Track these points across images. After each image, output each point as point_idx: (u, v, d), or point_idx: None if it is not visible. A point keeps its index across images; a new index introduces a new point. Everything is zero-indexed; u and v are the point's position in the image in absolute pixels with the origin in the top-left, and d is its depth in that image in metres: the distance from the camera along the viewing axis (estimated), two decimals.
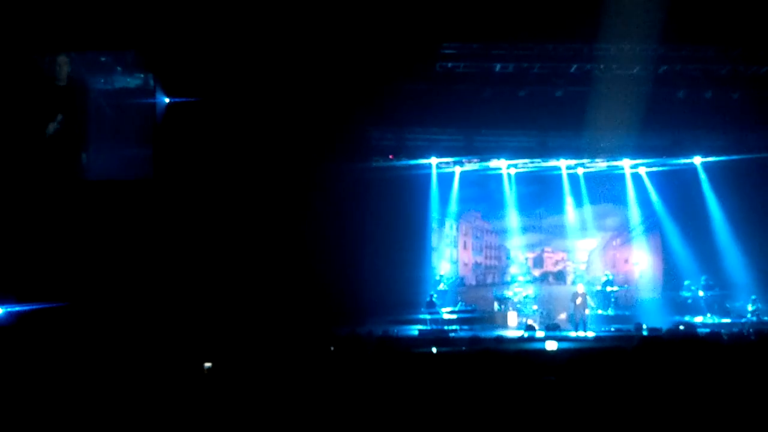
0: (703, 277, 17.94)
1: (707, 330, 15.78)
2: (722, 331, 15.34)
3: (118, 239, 14.91)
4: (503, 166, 19.30)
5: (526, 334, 15.45)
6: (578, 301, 16.71)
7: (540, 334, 15.59)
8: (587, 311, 16.90)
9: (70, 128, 14.78)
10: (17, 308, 13.00)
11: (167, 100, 15.19)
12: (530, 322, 17.03)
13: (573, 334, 15.77)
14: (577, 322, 16.47)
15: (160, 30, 14.41)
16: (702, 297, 17.84)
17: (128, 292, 14.15)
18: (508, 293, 18.78)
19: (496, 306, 18.76)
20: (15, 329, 12.10)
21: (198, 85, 15.02)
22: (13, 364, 5.96)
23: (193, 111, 15.06)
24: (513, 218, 19.79)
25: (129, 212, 15.04)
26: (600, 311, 17.72)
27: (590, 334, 15.77)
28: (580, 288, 17.23)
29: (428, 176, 19.17)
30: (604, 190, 19.82)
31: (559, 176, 19.42)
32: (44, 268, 14.10)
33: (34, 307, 12.80)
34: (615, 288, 18.44)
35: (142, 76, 15.09)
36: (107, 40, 14.69)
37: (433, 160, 19.03)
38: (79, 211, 14.90)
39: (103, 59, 15.14)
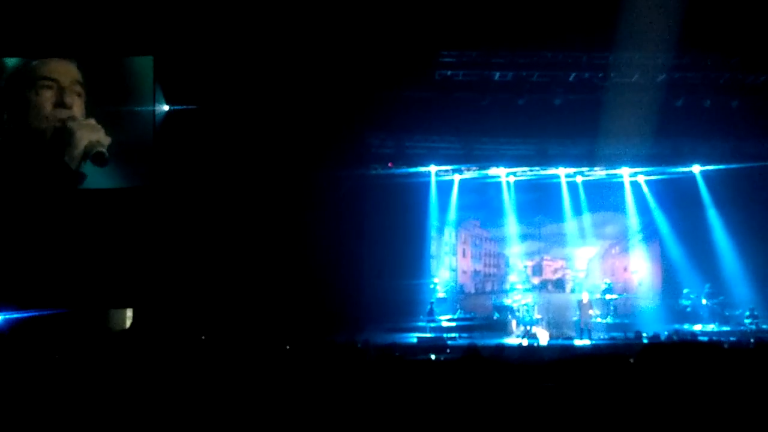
0: (707, 285, 17.91)
1: (706, 338, 15.81)
2: (722, 339, 15.38)
3: (116, 247, 14.92)
4: (502, 174, 19.31)
5: (525, 342, 15.44)
6: (583, 308, 16.78)
7: (540, 342, 15.61)
8: (595, 317, 16.97)
9: (71, 136, 14.76)
10: (18, 315, 12.99)
11: (167, 107, 15.22)
12: (534, 329, 17.01)
13: (577, 341, 15.81)
14: (581, 330, 16.51)
15: (163, 39, 14.47)
16: (706, 305, 17.78)
17: (127, 299, 14.16)
18: (508, 301, 18.75)
19: (495, 314, 18.73)
20: (16, 336, 12.08)
21: (197, 92, 15.05)
22: (14, 371, 5.95)
23: (191, 118, 15.09)
24: (512, 226, 19.77)
25: (128, 220, 15.05)
26: (599, 319, 17.70)
27: (586, 341, 15.78)
28: (585, 296, 17.25)
29: (427, 184, 19.17)
30: (603, 199, 19.82)
31: (558, 184, 19.42)
32: (45, 276, 14.10)
33: (35, 314, 12.79)
34: (614, 296, 18.42)
35: (143, 83, 15.11)
36: (112, 48, 14.75)
37: (432, 168, 19.05)
38: (80, 219, 14.91)
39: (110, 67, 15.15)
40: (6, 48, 14.82)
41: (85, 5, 14.20)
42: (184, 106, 15.17)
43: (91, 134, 14.65)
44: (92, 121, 14.75)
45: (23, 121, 14.81)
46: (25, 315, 12.92)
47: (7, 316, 13.11)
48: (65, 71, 14.91)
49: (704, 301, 17.80)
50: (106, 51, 14.92)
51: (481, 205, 19.91)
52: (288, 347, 9.84)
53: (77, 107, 14.84)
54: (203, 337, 12.67)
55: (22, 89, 14.85)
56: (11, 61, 14.98)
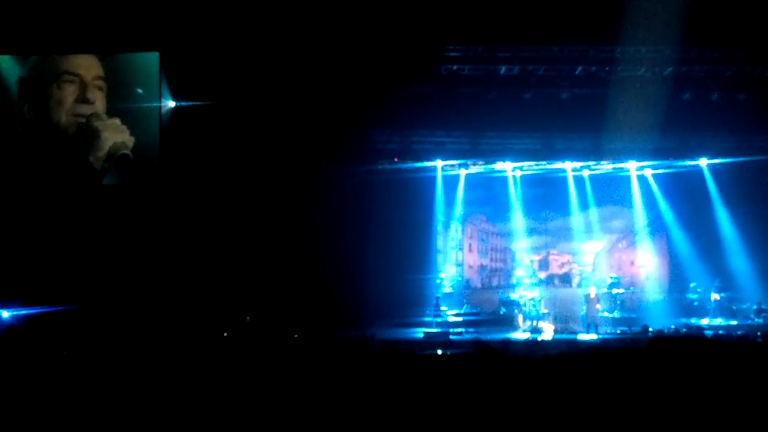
0: (716, 280, 17.82)
1: (712, 332, 15.78)
2: (729, 333, 15.36)
3: (123, 243, 14.96)
4: (508, 168, 19.25)
5: (530, 336, 15.47)
6: (590, 303, 16.78)
7: (544, 336, 15.64)
8: (602, 312, 17.00)
9: (97, 136, 14.73)
10: (24, 311, 13.04)
11: (173, 103, 15.23)
12: (541, 324, 17.02)
13: (584, 336, 15.82)
14: (588, 324, 16.51)
15: (169, 35, 14.48)
16: (715, 300, 17.68)
17: (134, 296, 14.19)
18: (514, 296, 18.74)
19: (501, 309, 18.71)
20: (22, 333, 12.13)
21: (203, 88, 15.06)
22: (20, 367, 5.98)
23: (198, 115, 15.11)
24: (518, 221, 19.73)
25: (135, 216, 15.08)
26: (606, 313, 17.68)
27: (593, 336, 15.78)
28: (593, 290, 17.24)
29: (433, 179, 19.15)
30: (610, 193, 19.76)
31: (565, 178, 19.37)
32: (51, 272, 14.15)
33: (41, 310, 12.83)
34: (621, 290, 18.37)
35: (150, 79, 15.10)
36: (118, 43, 14.76)
37: (438, 163, 18.99)
38: (87, 216, 14.95)
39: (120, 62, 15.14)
40: (5, 45, 14.83)
41: (90, 1, 14.22)
42: (191, 102, 15.17)
43: (116, 135, 14.57)
44: (117, 121, 14.66)
45: (44, 114, 14.75)
46: (33, 311, 12.97)
47: (15, 313, 13.16)
48: (88, 66, 14.84)
49: (715, 296, 17.68)
50: (112, 46, 14.92)
51: (488, 199, 19.89)
52: (296, 337, 9.88)
53: (99, 102, 14.79)
54: (225, 334, 12.75)
55: (44, 82, 14.80)
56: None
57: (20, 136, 14.87)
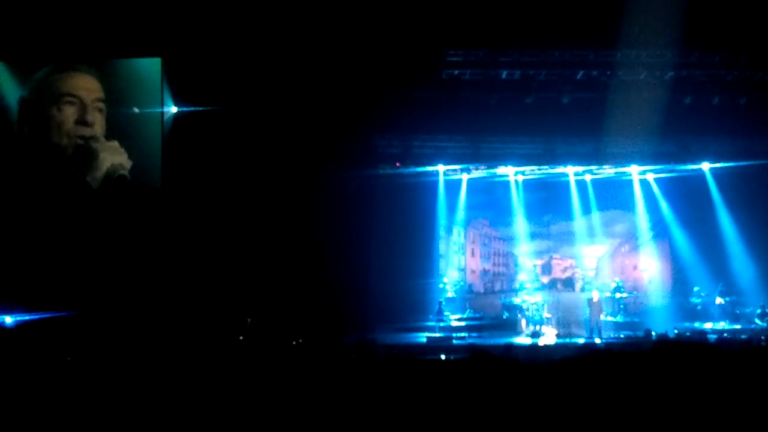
0: (720, 284, 17.78)
1: (715, 336, 15.76)
2: (733, 337, 15.33)
3: (126, 248, 14.96)
4: (510, 173, 19.27)
5: (530, 341, 15.48)
6: (593, 307, 16.77)
7: (546, 340, 15.64)
8: (605, 316, 16.97)
9: (95, 157, 14.80)
10: (26, 317, 13.04)
11: (175, 108, 15.26)
12: (544, 328, 16.99)
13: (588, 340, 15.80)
14: (591, 329, 16.49)
15: (171, 40, 14.51)
16: (719, 304, 17.65)
17: (137, 301, 14.18)
18: (517, 300, 18.71)
19: (504, 313, 18.68)
20: (24, 338, 12.14)
21: (205, 94, 15.09)
22: (22, 373, 5.98)
23: (200, 120, 15.13)
24: (521, 225, 19.73)
25: (138, 221, 15.09)
26: (609, 318, 17.65)
27: (596, 340, 15.76)
28: (596, 295, 17.22)
29: (435, 183, 19.16)
30: (612, 197, 19.75)
31: (567, 183, 19.37)
32: (53, 277, 14.15)
33: (43, 316, 12.84)
34: (624, 294, 18.37)
35: (152, 85, 15.13)
36: (120, 49, 14.80)
37: (440, 168, 19.02)
38: (90, 221, 14.97)
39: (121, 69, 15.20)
40: (8, 52, 14.87)
41: (91, 6, 14.24)
42: (193, 108, 15.20)
43: (114, 157, 14.72)
44: (115, 144, 14.81)
45: (44, 135, 14.86)
46: (36, 317, 12.97)
47: (18, 318, 13.17)
48: (88, 88, 14.95)
49: (718, 300, 17.64)
50: (114, 52, 14.96)
51: (490, 204, 19.89)
52: (299, 342, 9.86)
53: (98, 125, 14.91)
54: (240, 338, 12.78)
55: (44, 104, 14.92)
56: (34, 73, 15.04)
57: (20, 155, 14.96)
